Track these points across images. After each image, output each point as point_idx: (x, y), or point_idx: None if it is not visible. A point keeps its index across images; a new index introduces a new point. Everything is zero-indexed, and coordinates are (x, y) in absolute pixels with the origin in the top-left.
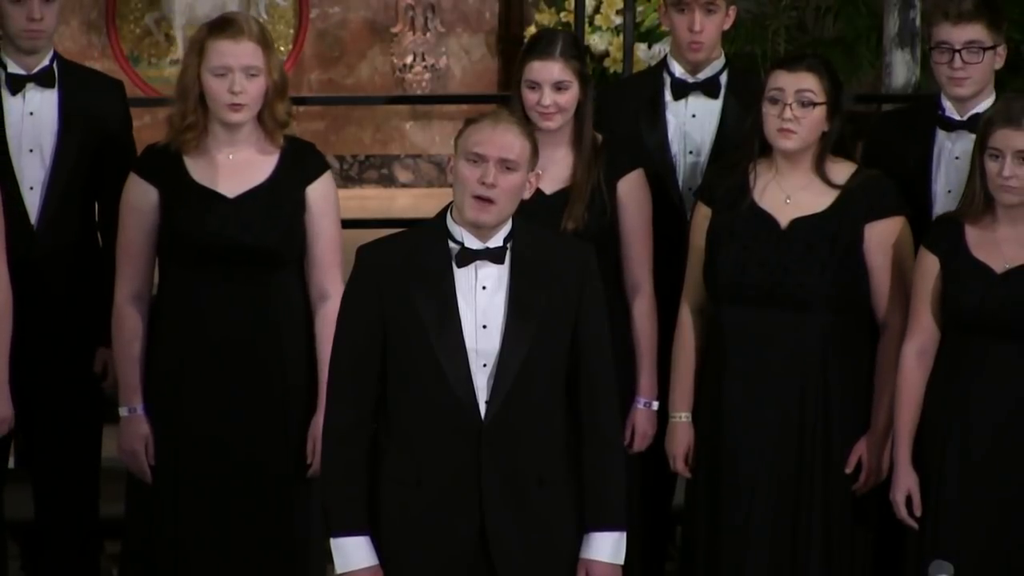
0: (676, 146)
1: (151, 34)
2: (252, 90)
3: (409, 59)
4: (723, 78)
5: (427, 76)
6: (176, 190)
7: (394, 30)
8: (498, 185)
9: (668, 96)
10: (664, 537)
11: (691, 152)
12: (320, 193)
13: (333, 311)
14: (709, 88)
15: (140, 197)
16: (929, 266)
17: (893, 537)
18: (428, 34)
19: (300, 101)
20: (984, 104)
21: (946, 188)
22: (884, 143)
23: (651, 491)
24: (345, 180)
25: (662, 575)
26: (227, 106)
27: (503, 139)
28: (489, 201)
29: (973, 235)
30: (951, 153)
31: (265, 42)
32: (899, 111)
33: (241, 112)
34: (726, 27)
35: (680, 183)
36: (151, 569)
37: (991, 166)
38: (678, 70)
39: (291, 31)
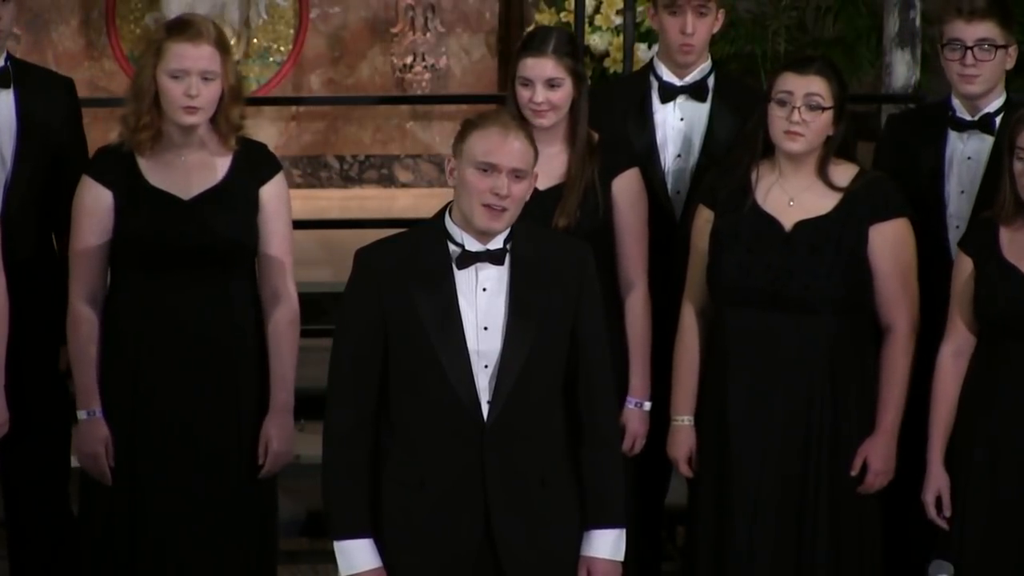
0: (664, 149)
1: (151, 34)
2: (208, 94)
3: (409, 59)
4: (710, 81)
5: (427, 76)
6: (130, 193)
7: (394, 30)
8: (510, 194)
9: (656, 99)
10: (658, 536)
11: (679, 155)
12: (273, 193)
13: (285, 311)
14: (697, 91)
15: (94, 200)
16: (964, 268)
17: (899, 538)
18: (428, 34)
19: (300, 101)
20: (995, 104)
21: (959, 189)
22: (896, 145)
23: (644, 490)
24: (345, 180)
25: (659, 575)
26: (182, 109)
27: (516, 148)
28: (501, 210)
29: (1006, 237)
30: (963, 153)
31: (223, 46)
32: (909, 113)
33: (196, 115)
34: (715, 30)
35: (668, 186)
36: (111, 571)
37: (1017, 166)
38: (665, 73)
39: (291, 31)
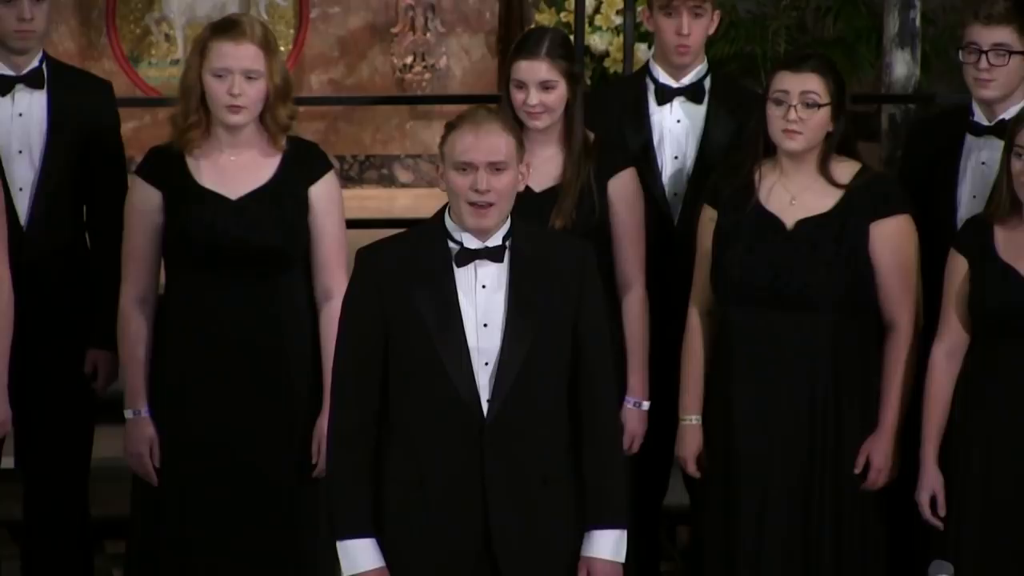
0: (661, 151)
1: (151, 34)
2: (251, 93)
3: (409, 59)
4: (707, 83)
5: (427, 76)
6: (179, 192)
7: (394, 30)
8: (492, 188)
9: (652, 101)
10: (658, 536)
11: (676, 157)
12: (323, 192)
13: (337, 309)
14: (693, 93)
15: (144, 200)
16: (958, 267)
17: (905, 537)
18: (428, 34)
19: (300, 101)
20: (1013, 109)
21: (971, 193)
22: (919, 147)
23: (643, 490)
24: (345, 180)
25: (659, 575)
26: (226, 108)
27: (487, 143)
28: (487, 205)
29: (1001, 237)
30: (977, 159)
31: (267, 45)
32: (933, 116)
33: (240, 114)
34: (711, 31)
35: (666, 188)
36: (156, 571)
37: (1015, 165)
38: (662, 75)
39: (291, 31)
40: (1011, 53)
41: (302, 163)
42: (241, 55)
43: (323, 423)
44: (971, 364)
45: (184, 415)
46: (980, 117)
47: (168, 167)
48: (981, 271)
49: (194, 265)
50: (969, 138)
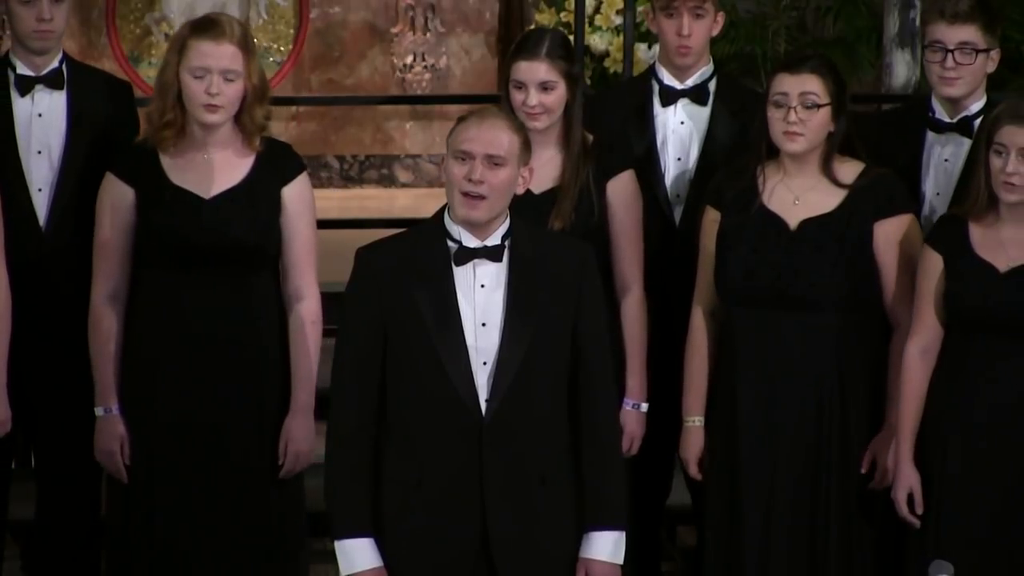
0: (664, 153)
1: (151, 34)
2: (229, 93)
3: (409, 59)
4: (711, 85)
5: (427, 76)
6: (152, 190)
7: (394, 30)
8: (486, 181)
9: (656, 103)
10: (658, 536)
11: (679, 159)
12: (296, 194)
13: (307, 311)
14: (697, 95)
15: (116, 197)
16: (932, 264)
17: (895, 536)
18: (428, 34)
19: (300, 101)
20: (975, 107)
21: (935, 190)
22: (876, 144)
23: (644, 490)
24: (345, 180)
25: (659, 575)
26: (203, 107)
27: (489, 135)
28: (478, 197)
29: (977, 234)
30: (940, 155)
31: (246, 46)
32: (891, 112)
33: (217, 114)
34: (715, 32)
35: (668, 189)
36: (130, 568)
37: (995, 162)
38: (666, 77)
39: (291, 31)
40: (977, 51)
41: (276, 164)
42: (220, 55)
43: (291, 423)
44: (947, 361)
45: (155, 413)
46: (941, 114)
47: (142, 165)
48: (957, 268)
49: (166, 263)
50: (930, 135)
